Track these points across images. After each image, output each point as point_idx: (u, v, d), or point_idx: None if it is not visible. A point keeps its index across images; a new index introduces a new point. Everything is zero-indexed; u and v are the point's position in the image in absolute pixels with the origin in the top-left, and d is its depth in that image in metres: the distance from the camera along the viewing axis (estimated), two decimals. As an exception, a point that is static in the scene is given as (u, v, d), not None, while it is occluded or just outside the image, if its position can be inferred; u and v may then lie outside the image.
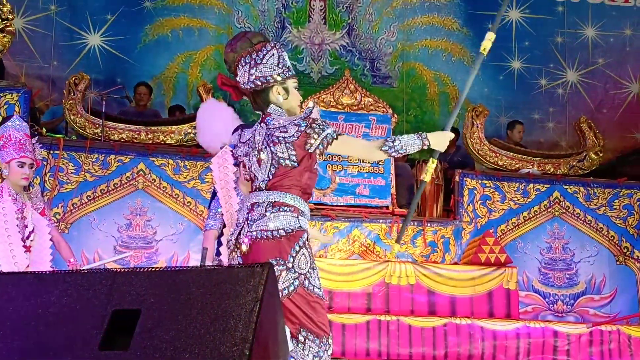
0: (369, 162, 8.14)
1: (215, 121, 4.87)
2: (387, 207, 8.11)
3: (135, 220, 7.56)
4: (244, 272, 2.39)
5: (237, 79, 3.51)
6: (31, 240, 4.81)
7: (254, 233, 3.30)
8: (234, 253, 3.44)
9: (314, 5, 10.42)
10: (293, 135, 3.29)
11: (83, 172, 7.49)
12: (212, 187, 4.64)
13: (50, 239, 4.94)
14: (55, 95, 9.37)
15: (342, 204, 8.03)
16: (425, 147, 3.44)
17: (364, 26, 10.54)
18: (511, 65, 10.65)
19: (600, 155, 8.87)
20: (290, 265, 3.23)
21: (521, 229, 8.31)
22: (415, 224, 8.03)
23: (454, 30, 10.66)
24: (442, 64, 10.61)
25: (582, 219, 8.39)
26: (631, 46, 10.75)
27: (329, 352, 3.30)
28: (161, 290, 2.39)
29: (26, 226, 4.79)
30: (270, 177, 3.34)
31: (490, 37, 3.73)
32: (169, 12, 10.06)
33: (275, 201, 3.31)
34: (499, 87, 10.61)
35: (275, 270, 3.15)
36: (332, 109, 8.28)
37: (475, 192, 8.27)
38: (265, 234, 3.27)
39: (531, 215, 8.34)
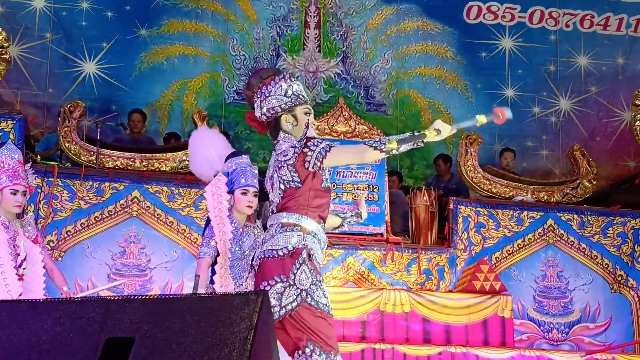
0: (363, 190, 8.14)
1: (208, 148, 4.87)
2: (381, 234, 8.10)
3: (130, 247, 7.54)
4: (238, 300, 2.38)
5: (255, 113, 3.70)
6: (23, 269, 4.78)
7: (263, 253, 3.47)
8: (251, 272, 3.70)
9: (308, 33, 10.50)
10: (291, 157, 3.47)
11: (77, 200, 7.48)
12: (206, 215, 4.63)
13: (44, 267, 4.91)
14: (50, 122, 9.38)
15: (336, 232, 8.00)
16: (421, 145, 3.50)
17: (358, 54, 10.60)
18: (504, 93, 10.72)
19: (594, 183, 8.90)
20: (292, 282, 3.36)
21: (515, 257, 8.30)
22: (410, 251, 8.02)
23: (447, 58, 10.73)
24: (436, 92, 10.67)
25: (577, 246, 8.39)
26: (623, 74, 10.84)
27: None
28: (155, 318, 2.38)
29: (18, 254, 4.76)
30: (280, 200, 3.52)
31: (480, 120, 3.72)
32: (164, 40, 10.11)
33: (283, 222, 3.47)
34: (493, 115, 10.65)
35: (280, 287, 3.35)
36: (327, 137, 8.30)
37: (470, 219, 8.28)
38: (272, 253, 3.43)
39: (525, 243, 8.34)
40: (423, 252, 8.05)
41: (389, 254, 7.93)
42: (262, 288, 3.38)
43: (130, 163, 7.97)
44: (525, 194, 8.75)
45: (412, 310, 7.38)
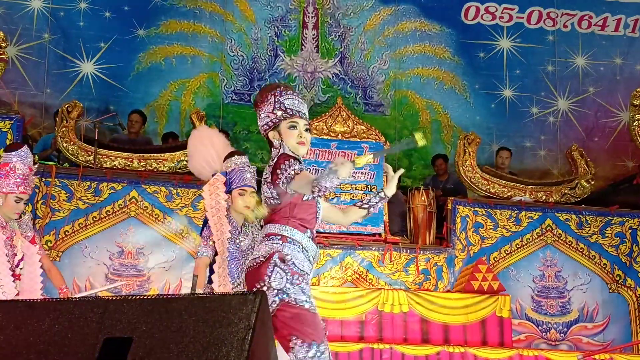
0: (361, 190, 8.15)
1: (206, 147, 4.87)
2: (379, 234, 8.10)
3: (127, 247, 7.53)
4: (236, 300, 2.38)
5: None
6: (21, 269, 4.78)
7: (247, 264, 3.58)
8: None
9: (306, 34, 10.49)
10: (268, 176, 3.56)
11: (75, 200, 7.47)
12: (204, 215, 4.63)
13: (41, 267, 4.91)
14: (48, 123, 9.37)
15: (334, 232, 8.03)
16: (383, 199, 3.78)
17: (356, 54, 10.60)
18: (503, 93, 10.72)
19: (592, 183, 8.91)
20: (268, 284, 3.43)
21: (514, 257, 8.30)
22: (408, 251, 8.02)
23: (445, 59, 10.74)
24: (434, 92, 10.67)
25: (575, 246, 8.40)
26: (621, 75, 10.85)
27: (323, 357, 3.49)
28: (153, 318, 2.38)
29: (15, 254, 4.76)
30: (266, 214, 3.62)
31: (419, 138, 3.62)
32: (162, 40, 10.11)
33: (267, 233, 3.56)
34: (491, 115, 10.67)
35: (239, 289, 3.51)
36: (325, 137, 8.31)
37: (468, 219, 8.28)
38: (252, 262, 3.53)
39: (524, 243, 8.35)
40: (421, 252, 8.05)
41: (387, 254, 7.93)
42: None
43: (128, 163, 7.97)
44: (523, 194, 8.75)
45: (410, 310, 7.38)
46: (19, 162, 4.79)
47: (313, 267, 3.64)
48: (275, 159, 3.54)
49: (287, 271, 3.45)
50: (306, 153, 3.70)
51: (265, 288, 3.42)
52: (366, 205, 3.84)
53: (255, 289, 3.45)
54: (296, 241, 3.52)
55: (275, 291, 3.42)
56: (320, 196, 3.45)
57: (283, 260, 3.46)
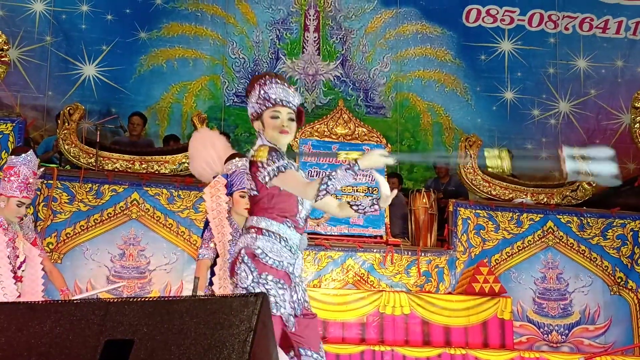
0: (362, 192, 8.16)
1: (207, 149, 4.88)
2: (380, 236, 8.10)
3: (129, 250, 7.54)
4: (238, 302, 2.38)
5: None
6: (22, 271, 4.79)
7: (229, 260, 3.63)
8: None
9: (307, 37, 10.50)
10: (247, 167, 3.54)
11: (76, 202, 7.48)
12: (205, 217, 4.64)
13: (42, 269, 4.92)
14: (49, 125, 9.38)
15: (336, 234, 8.03)
16: (355, 172, 3.41)
17: (357, 57, 10.61)
18: (504, 95, 10.72)
19: (593, 185, 8.90)
20: (236, 282, 3.44)
21: (515, 259, 8.30)
22: (409, 253, 8.03)
23: (446, 62, 10.74)
24: (435, 95, 10.67)
25: (576, 248, 8.40)
26: (622, 77, 10.85)
27: None
28: (154, 320, 2.38)
29: (17, 256, 4.77)
30: (249, 206, 3.60)
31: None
32: (163, 43, 10.12)
33: (246, 226, 3.55)
34: (492, 117, 10.67)
35: (231, 288, 3.51)
36: (326, 139, 8.32)
37: (469, 221, 8.28)
38: (231, 257, 3.55)
39: (525, 245, 8.35)
40: (422, 254, 8.05)
41: (389, 256, 7.94)
42: None
43: (130, 165, 7.98)
44: (524, 196, 8.75)
45: (411, 312, 7.38)
46: (24, 166, 4.80)
47: (299, 256, 3.56)
48: (254, 151, 3.51)
49: (253, 269, 3.41)
50: (290, 143, 3.69)
51: (234, 285, 3.44)
52: (360, 211, 3.78)
53: (230, 283, 3.50)
54: (272, 232, 3.46)
55: (240, 289, 3.40)
56: (322, 197, 3.39)
57: (253, 255, 3.42)
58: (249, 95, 3.66)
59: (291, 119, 3.57)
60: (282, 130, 3.54)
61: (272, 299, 3.37)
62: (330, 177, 3.35)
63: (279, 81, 3.62)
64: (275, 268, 3.43)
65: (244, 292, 3.38)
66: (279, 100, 3.56)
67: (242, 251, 3.45)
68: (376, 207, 3.69)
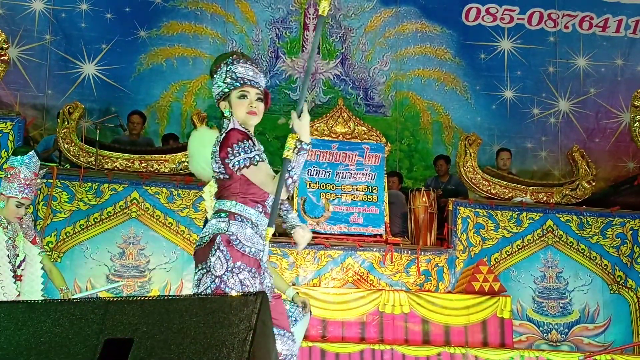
0: (362, 191, 8.16)
1: (207, 148, 4.86)
2: (380, 235, 8.10)
3: (129, 249, 7.54)
4: (237, 301, 2.38)
5: None
6: (22, 269, 4.79)
7: (197, 241, 3.47)
8: None
9: (307, 35, 10.50)
10: (217, 151, 3.44)
11: (76, 201, 7.48)
12: (205, 216, 4.63)
13: (42, 268, 4.92)
14: (49, 124, 9.38)
15: (335, 232, 8.03)
16: (305, 149, 3.35)
17: (357, 56, 10.61)
18: (504, 94, 10.72)
19: (593, 184, 8.91)
20: (208, 268, 3.33)
21: (515, 258, 8.31)
22: (409, 252, 8.03)
23: (446, 60, 10.74)
24: (435, 93, 10.68)
25: (576, 247, 8.40)
26: (622, 76, 10.85)
27: None
28: (154, 319, 2.38)
29: (17, 255, 4.77)
30: (217, 189, 3.51)
31: None
32: (163, 42, 10.12)
33: (216, 210, 3.45)
34: (492, 116, 10.67)
35: (200, 274, 3.35)
36: (326, 138, 8.32)
37: (469, 220, 8.28)
38: (200, 241, 3.43)
39: (525, 244, 8.35)
40: (422, 253, 8.06)
41: (388, 255, 7.94)
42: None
43: (130, 164, 7.98)
44: (524, 195, 8.76)
45: (411, 311, 7.39)
46: (25, 167, 4.81)
47: (267, 243, 3.46)
48: (225, 134, 3.42)
49: (228, 257, 3.33)
50: (256, 124, 3.58)
51: (205, 271, 3.33)
52: (285, 218, 3.68)
53: (198, 269, 3.39)
54: (244, 217, 3.39)
55: (213, 277, 3.31)
56: (290, 190, 3.35)
57: (228, 242, 3.35)
58: (213, 75, 3.56)
59: (259, 99, 3.51)
60: (250, 111, 3.48)
61: (245, 288, 3.31)
62: (290, 168, 3.30)
63: (246, 60, 3.55)
64: (248, 255, 3.36)
65: (217, 280, 3.30)
66: (247, 79, 3.49)
67: (218, 238, 3.35)
68: (291, 232, 3.63)
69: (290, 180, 3.31)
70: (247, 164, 3.34)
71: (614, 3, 10.92)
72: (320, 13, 3.50)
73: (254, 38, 10.39)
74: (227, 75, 3.49)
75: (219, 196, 3.48)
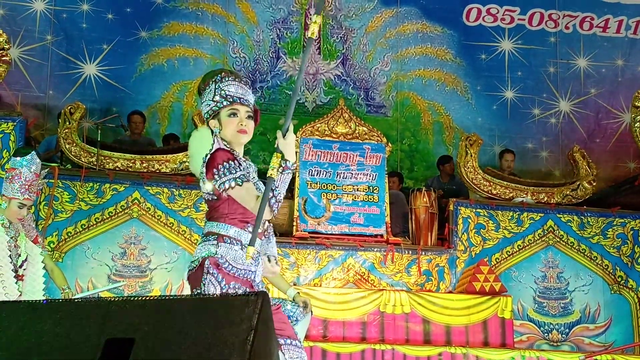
0: (363, 191, 8.17)
1: (207, 148, 4.87)
2: (381, 235, 8.11)
3: (130, 249, 7.55)
4: (238, 301, 2.39)
5: None
6: (24, 269, 4.80)
7: (189, 267, 3.43)
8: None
9: (307, 36, 10.49)
10: (204, 172, 3.39)
11: (78, 201, 7.49)
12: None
13: (44, 267, 4.93)
14: (50, 124, 9.39)
15: (336, 233, 8.04)
16: (290, 168, 3.30)
17: (358, 56, 10.61)
18: (504, 95, 10.72)
19: (594, 184, 8.91)
20: (203, 292, 3.29)
21: (515, 258, 8.31)
22: (410, 252, 8.03)
23: (447, 61, 10.74)
24: (436, 94, 10.67)
25: (576, 247, 8.40)
26: (623, 76, 10.85)
27: None
28: (155, 319, 2.39)
29: (19, 254, 4.78)
30: (207, 211, 3.47)
31: (316, 20, 3.44)
32: (164, 42, 10.12)
33: (205, 232, 3.41)
34: (493, 116, 10.67)
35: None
36: (327, 138, 8.32)
37: (470, 220, 8.29)
38: (190, 266, 3.39)
39: (525, 244, 8.35)
40: (423, 253, 8.06)
41: (389, 255, 7.94)
42: None
43: (131, 164, 7.99)
44: (525, 195, 8.76)
45: (412, 311, 7.39)
46: (26, 168, 4.81)
47: (260, 262, 3.45)
48: (210, 155, 3.39)
49: (220, 279, 3.30)
50: (246, 142, 3.51)
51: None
52: (266, 254, 3.63)
53: (193, 295, 3.33)
54: (233, 239, 3.35)
55: None
56: (274, 211, 3.27)
57: (217, 265, 3.31)
58: (201, 92, 3.53)
59: (249, 117, 3.47)
60: (240, 130, 3.44)
61: None
62: (274, 187, 3.24)
63: (235, 78, 3.52)
64: (240, 277, 3.34)
65: None
66: (237, 97, 3.46)
67: (207, 262, 3.32)
68: (271, 270, 3.60)
69: (274, 200, 3.25)
70: (232, 185, 3.29)
71: (614, 4, 10.92)
72: (309, 35, 3.40)
73: (254, 38, 10.40)
74: (216, 93, 3.45)
75: (208, 217, 3.45)
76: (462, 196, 8.82)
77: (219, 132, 3.45)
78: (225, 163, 3.32)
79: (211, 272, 3.30)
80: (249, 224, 3.40)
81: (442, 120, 10.64)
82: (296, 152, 8.02)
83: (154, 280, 7.52)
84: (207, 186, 3.39)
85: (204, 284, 3.30)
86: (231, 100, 3.45)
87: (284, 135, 3.27)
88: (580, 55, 10.85)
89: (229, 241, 3.35)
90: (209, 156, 3.39)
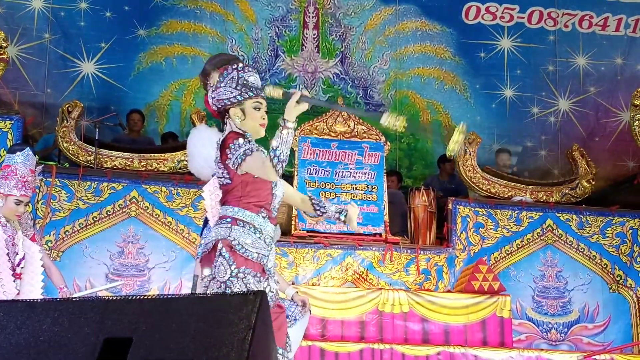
0: (361, 190, 8.16)
1: (206, 147, 4.85)
2: (380, 234, 8.10)
3: (128, 247, 7.54)
4: (237, 300, 2.38)
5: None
6: (22, 268, 4.78)
7: (201, 249, 3.51)
8: None
9: (307, 34, 10.49)
10: (218, 155, 3.44)
11: (75, 200, 7.48)
12: (205, 215, 4.63)
13: (42, 266, 4.91)
14: (48, 122, 9.37)
15: (335, 232, 8.02)
16: (289, 127, 3.30)
17: (357, 54, 10.60)
18: (503, 93, 10.71)
19: (593, 183, 8.90)
20: (214, 274, 3.36)
21: (514, 257, 8.31)
22: (409, 251, 8.03)
23: (446, 59, 10.73)
24: (435, 92, 10.66)
25: (575, 246, 8.40)
26: (622, 75, 10.84)
27: None
28: (153, 318, 2.38)
29: (17, 253, 4.76)
30: (221, 196, 3.51)
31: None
32: (162, 41, 10.11)
33: (220, 215, 3.47)
34: (492, 115, 10.66)
35: (207, 280, 3.38)
36: (325, 137, 8.31)
37: (469, 219, 8.28)
38: (204, 247, 3.48)
39: (524, 243, 8.35)
40: (422, 252, 8.05)
41: (388, 254, 7.94)
42: None
43: (129, 163, 7.97)
44: (524, 194, 8.75)
45: (410, 310, 7.38)
46: (21, 164, 4.79)
47: (272, 247, 3.49)
48: (223, 137, 3.43)
49: (231, 262, 3.34)
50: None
51: (211, 277, 3.36)
52: (319, 212, 3.75)
53: (205, 277, 3.40)
54: (247, 223, 3.39)
55: (219, 283, 3.33)
56: (276, 166, 3.25)
57: (230, 247, 3.35)
58: (215, 76, 3.52)
59: (266, 111, 3.53)
60: (262, 124, 3.49)
61: (244, 289, 3.31)
62: (275, 147, 3.26)
63: (254, 70, 3.57)
64: (252, 260, 3.37)
65: (222, 286, 3.33)
66: (260, 90, 3.50)
67: (220, 244, 3.37)
68: (342, 217, 3.69)
69: (276, 160, 3.24)
70: (243, 157, 3.33)
71: (613, 2, 10.92)
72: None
73: (253, 36, 10.38)
74: (240, 83, 3.47)
75: (223, 202, 3.49)
76: (461, 195, 8.82)
77: (240, 121, 3.46)
78: (235, 141, 3.36)
79: (223, 254, 3.35)
80: (262, 209, 3.44)
81: (440, 119, 10.63)
82: (294, 150, 8.07)
83: (152, 279, 7.51)
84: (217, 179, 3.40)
85: (215, 266, 3.35)
86: (256, 92, 3.49)
87: (297, 102, 3.31)
88: (580, 53, 10.84)
89: (242, 224, 3.39)
90: (221, 139, 3.43)
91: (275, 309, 3.45)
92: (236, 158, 3.34)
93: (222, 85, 3.48)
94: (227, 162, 3.38)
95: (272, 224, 3.49)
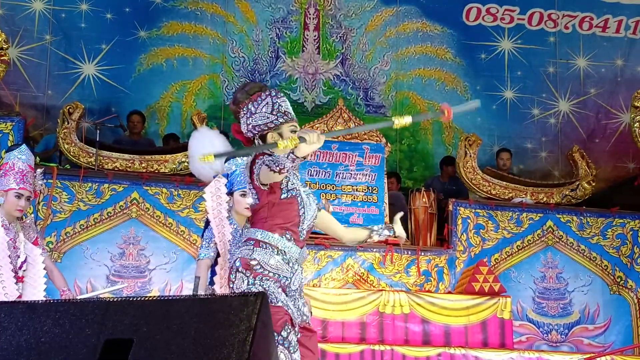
0: (362, 191, 8.15)
1: (207, 148, 4.86)
2: (380, 236, 8.08)
3: (129, 249, 7.54)
4: (237, 302, 2.38)
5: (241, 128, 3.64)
6: (24, 270, 4.78)
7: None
8: None
9: (307, 35, 10.50)
10: (247, 175, 3.50)
11: (76, 201, 7.48)
12: (206, 216, 4.63)
13: (44, 268, 4.91)
14: (49, 124, 9.37)
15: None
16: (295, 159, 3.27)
17: (357, 56, 10.60)
18: (504, 94, 10.71)
19: (593, 184, 8.91)
20: (233, 290, 3.43)
21: (515, 258, 8.31)
22: (409, 253, 8.03)
23: (447, 60, 10.73)
24: (436, 93, 10.66)
25: (576, 248, 8.40)
26: (622, 76, 10.84)
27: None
28: (154, 319, 2.38)
29: (19, 256, 4.76)
30: (251, 218, 3.63)
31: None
32: (163, 42, 10.11)
33: (245, 238, 3.53)
34: (492, 116, 10.66)
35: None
36: (326, 138, 8.30)
37: (469, 221, 8.28)
38: (227, 268, 3.64)
39: (525, 245, 8.35)
40: (422, 253, 8.05)
41: (388, 255, 7.94)
42: None
43: (130, 164, 7.98)
44: (524, 196, 8.76)
45: (411, 311, 7.38)
46: (17, 159, 4.79)
47: (298, 270, 3.51)
48: (251, 159, 3.47)
49: (249, 275, 3.39)
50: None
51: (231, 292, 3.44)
52: (376, 237, 3.83)
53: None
54: (270, 245, 3.42)
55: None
56: (285, 167, 3.24)
57: (248, 266, 3.39)
58: (249, 104, 3.53)
59: None
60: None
61: (271, 295, 3.32)
62: (271, 152, 3.33)
63: (282, 95, 3.61)
64: (271, 277, 3.41)
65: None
66: (293, 114, 3.56)
67: (237, 261, 3.43)
68: (389, 233, 3.88)
69: (272, 161, 3.24)
70: (261, 166, 3.37)
71: (614, 3, 10.92)
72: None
73: (254, 38, 10.39)
74: (275, 108, 3.50)
75: (250, 223, 3.59)
76: (461, 196, 8.82)
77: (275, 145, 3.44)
78: (260, 158, 3.39)
79: (240, 270, 3.40)
80: (287, 231, 3.46)
81: (441, 120, 10.62)
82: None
83: (153, 280, 7.51)
84: (249, 200, 3.57)
85: (234, 281, 3.42)
86: (290, 116, 3.53)
87: (316, 141, 3.24)
88: (580, 55, 10.84)
89: (264, 246, 3.42)
90: (250, 161, 3.49)
91: (304, 332, 3.48)
92: (259, 166, 3.39)
93: (257, 111, 3.52)
94: (253, 179, 3.43)
95: (298, 247, 3.50)
